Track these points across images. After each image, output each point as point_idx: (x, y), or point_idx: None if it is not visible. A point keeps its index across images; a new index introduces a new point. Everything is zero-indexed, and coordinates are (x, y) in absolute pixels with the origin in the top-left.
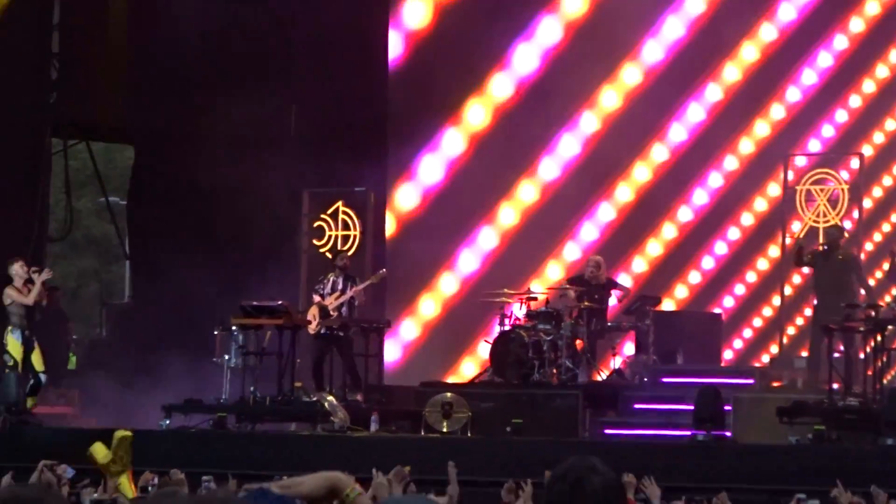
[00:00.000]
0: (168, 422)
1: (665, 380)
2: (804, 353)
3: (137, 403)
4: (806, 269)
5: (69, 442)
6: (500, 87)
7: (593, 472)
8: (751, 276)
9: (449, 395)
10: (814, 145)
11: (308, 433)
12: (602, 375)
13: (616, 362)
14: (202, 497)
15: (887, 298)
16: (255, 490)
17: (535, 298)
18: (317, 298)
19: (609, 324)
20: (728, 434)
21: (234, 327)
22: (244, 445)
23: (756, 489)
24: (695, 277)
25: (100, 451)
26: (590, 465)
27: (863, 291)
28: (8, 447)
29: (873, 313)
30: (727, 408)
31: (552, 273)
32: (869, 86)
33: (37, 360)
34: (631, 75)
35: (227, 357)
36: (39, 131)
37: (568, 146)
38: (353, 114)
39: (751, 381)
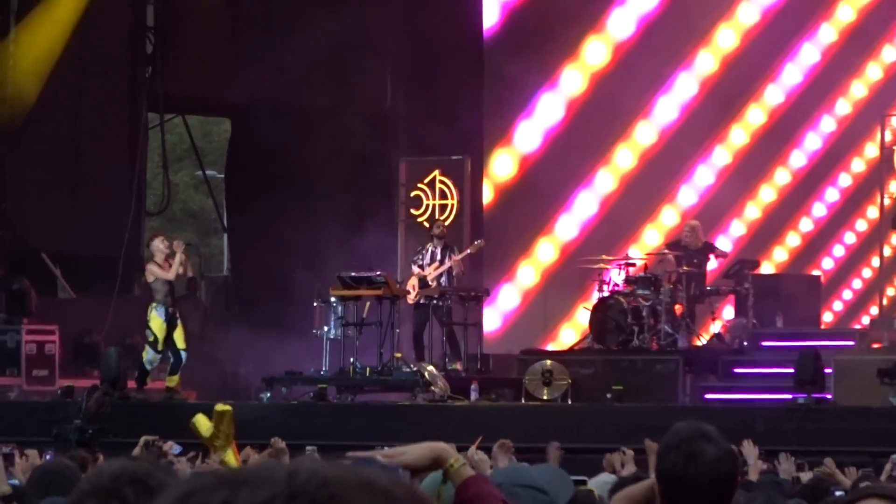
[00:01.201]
0: (269, 395)
1: (765, 343)
2: None
3: (238, 377)
4: None
5: (170, 418)
6: (596, 52)
7: (707, 441)
8: (849, 238)
9: (549, 362)
10: None
11: (408, 403)
12: (702, 340)
13: (715, 327)
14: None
15: None
16: (360, 458)
17: (634, 264)
18: (416, 269)
19: (708, 288)
20: (829, 396)
21: (333, 299)
22: (345, 417)
23: (857, 451)
24: (793, 240)
25: (203, 423)
26: (704, 433)
27: None
28: (111, 423)
29: None
30: (827, 370)
31: (650, 238)
32: None
33: (179, 337)
34: (726, 38)
35: (326, 329)
36: (136, 106)
37: (665, 110)
38: (449, 82)
39: (851, 342)
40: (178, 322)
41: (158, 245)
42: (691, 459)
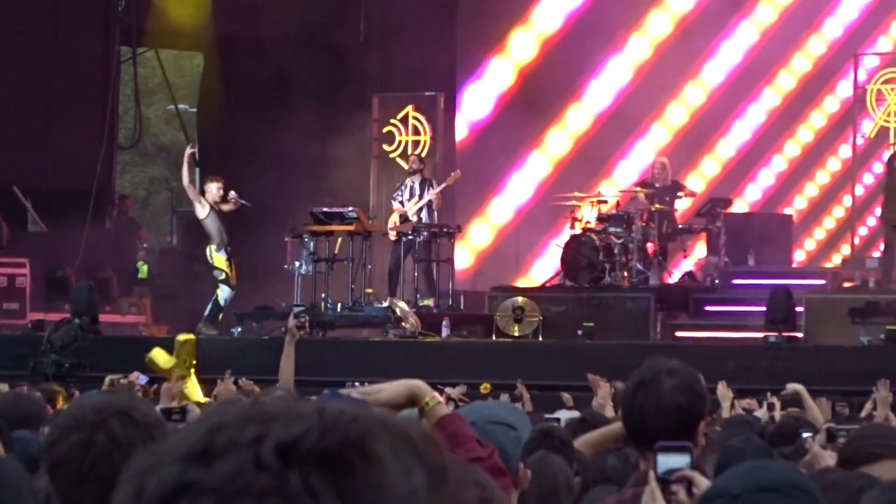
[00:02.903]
0: (240, 329)
1: (736, 282)
2: (876, 254)
3: None
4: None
5: (142, 351)
6: None
7: (669, 374)
8: (822, 177)
9: (520, 299)
10: (884, 44)
11: (379, 339)
12: (673, 278)
13: (687, 265)
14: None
15: None
16: (335, 395)
17: (606, 201)
18: (396, 206)
19: (680, 226)
20: (800, 335)
21: (304, 234)
22: (316, 352)
23: (828, 390)
24: (766, 178)
25: (160, 356)
26: (667, 367)
27: None
28: (87, 358)
29: None
30: (799, 309)
31: (623, 175)
32: None
33: (235, 273)
34: None
35: (297, 264)
36: (108, 39)
37: (638, 47)
38: (422, 18)
39: (823, 281)
40: (232, 261)
41: (212, 187)
42: (651, 387)
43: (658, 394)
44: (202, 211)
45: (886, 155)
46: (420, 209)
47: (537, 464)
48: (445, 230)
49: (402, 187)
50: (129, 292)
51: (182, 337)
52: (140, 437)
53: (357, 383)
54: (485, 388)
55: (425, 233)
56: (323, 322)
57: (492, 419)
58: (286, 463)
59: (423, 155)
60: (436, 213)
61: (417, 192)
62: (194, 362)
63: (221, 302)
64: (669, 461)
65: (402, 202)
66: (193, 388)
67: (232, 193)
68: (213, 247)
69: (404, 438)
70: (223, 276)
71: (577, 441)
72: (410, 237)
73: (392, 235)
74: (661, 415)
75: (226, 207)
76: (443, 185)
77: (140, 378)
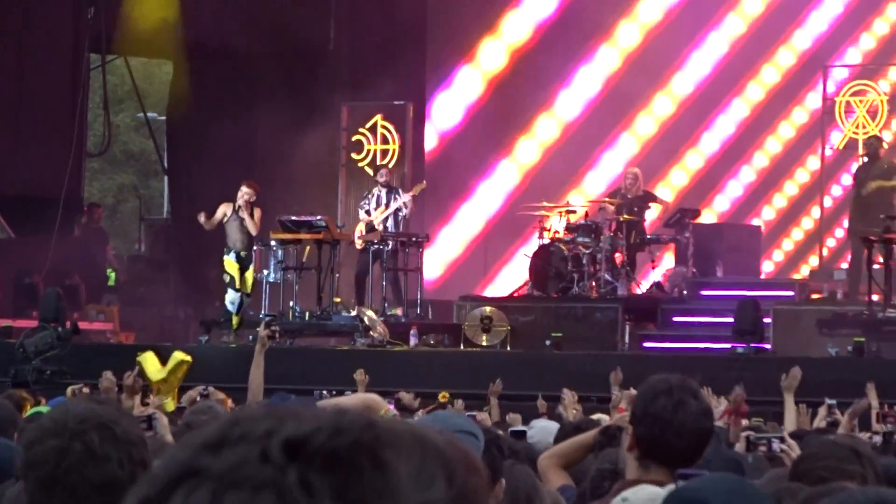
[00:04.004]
0: (207, 337)
1: (704, 293)
2: (844, 265)
3: (176, 319)
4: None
5: (124, 359)
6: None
7: (693, 396)
8: (790, 188)
9: (488, 308)
10: (853, 56)
11: (347, 348)
12: (641, 288)
13: (656, 275)
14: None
15: None
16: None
17: (575, 211)
18: (363, 215)
19: (648, 236)
20: (768, 347)
21: (273, 242)
22: (284, 360)
23: (796, 402)
24: (734, 190)
25: (152, 363)
26: (692, 388)
27: None
28: (68, 365)
29: None
30: (767, 320)
31: (591, 185)
32: None
33: (246, 281)
34: None
35: (266, 272)
36: (78, 47)
37: (608, 58)
38: (392, 27)
39: (790, 293)
40: (250, 266)
41: (244, 190)
42: (680, 407)
43: (685, 410)
44: (223, 215)
45: (855, 167)
46: (386, 218)
47: (507, 474)
48: (414, 239)
49: (370, 196)
50: (98, 299)
51: (181, 356)
52: (117, 454)
53: (325, 392)
54: (443, 396)
55: (392, 242)
56: (291, 330)
57: (455, 428)
58: (291, 458)
59: (392, 164)
60: (402, 222)
61: (384, 201)
62: (180, 382)
63: (228, 306)
64: None
65: (368, 211)
66: (171, 403)
67: (257, 212)
68: (225, 250)
69: (434, 452)
70: (228, 280)
71: (547, 451)
72: (378, 246)
73: (359, 244)
74: (686, 431)
75: (246, 216)
76: (409, 195)
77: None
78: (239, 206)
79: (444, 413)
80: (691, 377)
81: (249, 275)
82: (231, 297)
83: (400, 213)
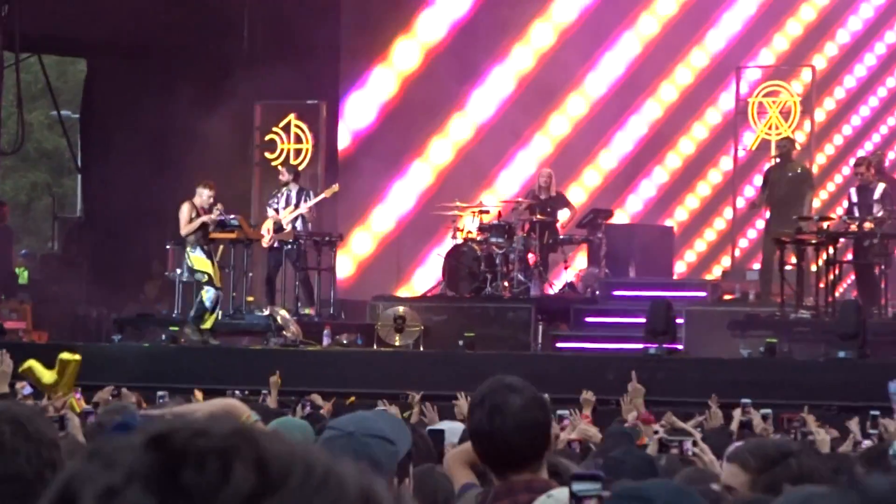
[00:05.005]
0: (120, 336)
1: (617, 293)
2: (756, 266)
3: (89, 318)
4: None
5: (23, 358)
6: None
7: (512, 391)
8: (703, 189)
9: (401, 308)
10: (766, 57)
11: (260, 347)
12: (554, 289)
13: (568, 275)
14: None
15: (839, 210)
16: (117, 422)
17: (488, 211)
18: (271, 213)
19: (561, 237)
20: (680, 347)
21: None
22: (197, 360)
23: (707, 402)
24: (647, 190)
25: (40, 370)
26: (507, 384)
27: (815, 204)
28: None
29: (825, 226)
30: (679, 321)
31: (504, 185)
32: None
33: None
34: None
35: (179, 271)
36: None
37: (521, 58)
38: (305, 26)
39: (703, 293)
40: (213, 262)
41: (203, 192)
42: (496, 412)
43: (502, 413)
44: (186, 215)
45: (766, 167)
46: (295, 218)
47: (422, 476)
48: (327, 238)
49: (279, 195)
50: (11, 297)
51: (66, 356)
52: (26, 450)
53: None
54: (350, 401)
55: (302, 241)
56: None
57: (369, 432)
58: (154, 449)
59: (306, 163)
60: (309, 224)
61: (294, 200)
62: (75, 380)
63: (207, 304)
64: (583, 487)
65: (276, 209)
66: (75, 404)
67: (219, 206)
68: (189, 248)
69: (301, 471)
70: (206, 278)
71: (454, 449)
72: (289, 246)
73: (265, 243)
74: (510, 433)
75: (208, 218)
76: (320, 197)
77: (25, 388)
78: (212, 206)
79: (363, 414)
80: (604, 376)
81: (216, 269)
82: (211, 296)
83: (306, 216)
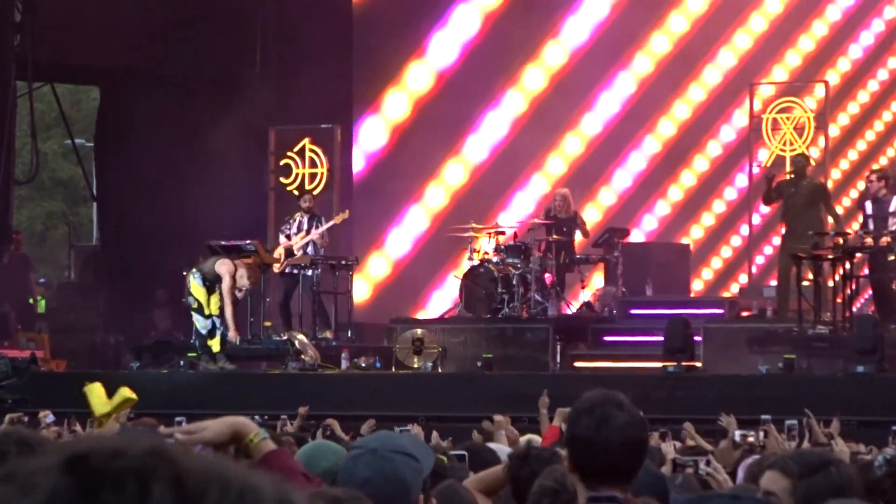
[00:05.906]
0: (138, 363)
1: (634, 311)
2: (773, 282)
3: (107, 345)
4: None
5: (68, 386)
6: (465, 21)
7: (618, 407)
8: (719, 206)
9: (419, 331)
10: (779, 73)
11: (279, 372)
12: (571, 308)
13: (585, 295)
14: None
15: (855, 226)
16: (161, 434)
17: (504, 232)
18: (283, 239)
19: (578, 256)
20: (698, 365)
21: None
22: (216, 385)
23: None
24: (663, 208)
25: (99, 396)
26: (616, 400)
27: (830, 219)
28: (15, 391)
29: (841, 241)
30: (697, 338)
31: (520, 206)
32: (833, 13)
33: (212, 303)
34: (598, 6)
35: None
36: (4, 74)
37: (533, 79)
38: (319, 51)
39: (720, 311)
40: (217, 289)
41: (244, 273)
42: (603, 423)
43: (608, 425)
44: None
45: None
46: (306, 245)
47: (448, 492)
48: (343, 262)
49: (291, 221)
50: (29, 327)
51: (127, 393)
52: None
53: (183, 420)
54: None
55: (320, 266)
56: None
57: (393, 448)
58: (70, 472)
59: (321, 187)
60: (321, 249)
61: (305, 227)
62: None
63: (202, 331)
64: None
65: (288, 235)
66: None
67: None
68: (194, 271)
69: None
70: (195, 305)
71: (471, 478)
72: (298, 271)
73: (276, 268)
74: (613, 446)
75: (235, 295)
76: (330, 224)
77: (49, 416)
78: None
79: (386, 433)
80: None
81: (214, 299)
82: (201, 324)
83: (318, 243)
